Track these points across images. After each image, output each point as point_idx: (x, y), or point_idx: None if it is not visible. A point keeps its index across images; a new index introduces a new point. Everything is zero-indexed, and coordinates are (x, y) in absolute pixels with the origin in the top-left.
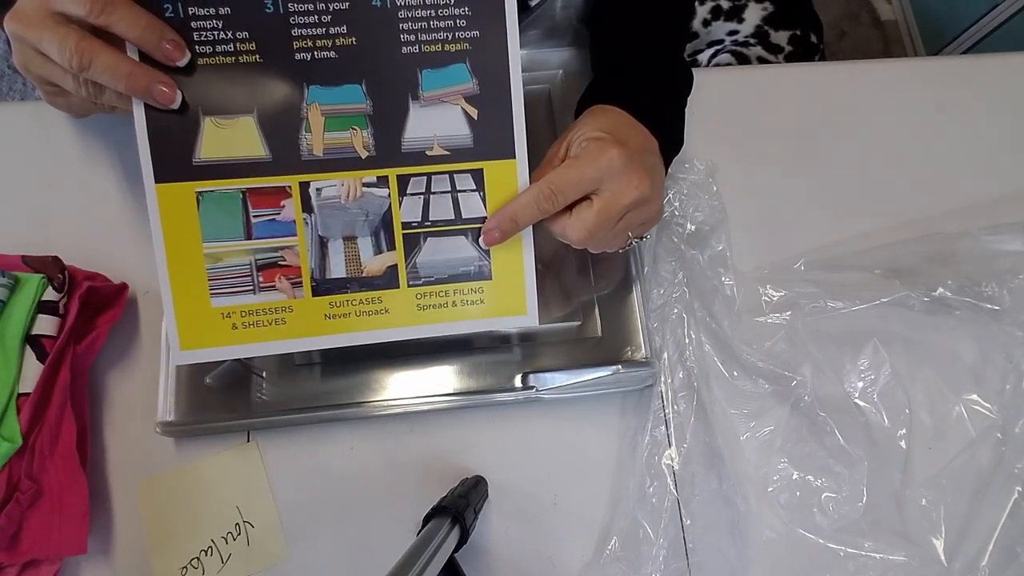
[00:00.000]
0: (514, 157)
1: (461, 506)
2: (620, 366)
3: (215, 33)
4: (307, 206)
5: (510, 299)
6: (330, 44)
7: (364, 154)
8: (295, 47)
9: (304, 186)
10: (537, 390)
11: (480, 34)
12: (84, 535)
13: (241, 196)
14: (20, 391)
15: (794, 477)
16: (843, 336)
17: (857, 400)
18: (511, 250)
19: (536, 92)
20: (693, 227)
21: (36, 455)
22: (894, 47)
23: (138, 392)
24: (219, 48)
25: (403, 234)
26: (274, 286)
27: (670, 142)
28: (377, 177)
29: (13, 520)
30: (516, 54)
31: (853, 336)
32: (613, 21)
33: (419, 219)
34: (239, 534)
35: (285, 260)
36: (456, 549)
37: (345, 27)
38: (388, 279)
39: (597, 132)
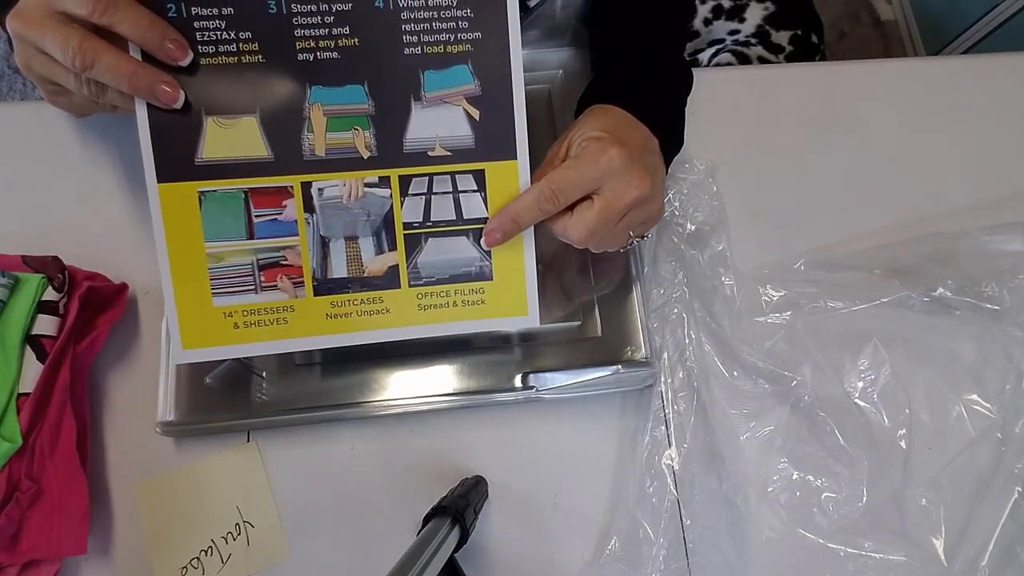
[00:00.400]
0: (515, 158)
1: (461, 506)
2: (620, 366)
3: (218, 33)
4: (309, 206)
5: (511, 300)
6: (333, 45)
7: (366, 154)
8: (298, 47)
9: (306, 186)
10: (537, 390)
11: (482, 36)
12: (84, 535)
13: (243, 196)
14: (20, 391)
15: (794, 477)
16: (843, 336)
17: (857, 400)
18: (512, 251)
19: (536, 92)
20: (693, 227)
21: (36, 455)
22: (894, 47)
23: (138, 392)
24: (222, 48)
25: (404, 234)
26: (276, 286)
27: (670, 141)
28: (379, 177)
29: (13, 520)
30: (518, 56)
31: (853, 336)
32: (613, 21)
33: (420, 219)
34: (239, 534)
35: (287, 260)
36: (456, 549)
37: (348, 28)
38: (389, 279)
39: (597, 132)
